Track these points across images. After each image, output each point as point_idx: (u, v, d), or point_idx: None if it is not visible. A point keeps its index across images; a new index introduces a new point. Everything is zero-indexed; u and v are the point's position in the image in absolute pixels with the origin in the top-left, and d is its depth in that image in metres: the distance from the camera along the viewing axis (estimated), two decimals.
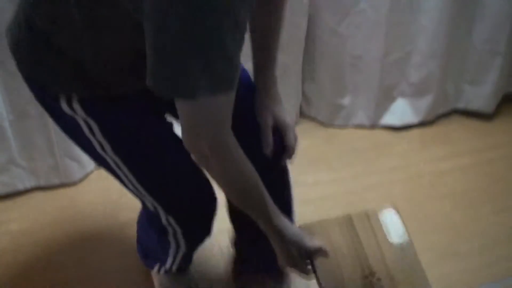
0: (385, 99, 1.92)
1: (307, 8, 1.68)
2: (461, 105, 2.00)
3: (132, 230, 1.58)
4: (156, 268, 1.34)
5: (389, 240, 1.14)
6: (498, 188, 1.74)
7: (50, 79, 0.97)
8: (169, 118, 1.13)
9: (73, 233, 1.57)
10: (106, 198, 1.66)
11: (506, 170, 1.81)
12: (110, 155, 1.02)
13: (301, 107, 1.95)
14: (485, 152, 1.87)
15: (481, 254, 1.54)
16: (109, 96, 0.98)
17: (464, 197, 1.71)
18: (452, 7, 1.73)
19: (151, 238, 1.29)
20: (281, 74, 1.82)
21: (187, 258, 1.31)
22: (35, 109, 1.53)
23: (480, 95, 1.95)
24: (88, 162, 1.72)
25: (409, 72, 1.87)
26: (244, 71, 1.11)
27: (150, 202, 1.10)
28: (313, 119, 1.97)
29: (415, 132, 1.95)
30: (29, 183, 1.68)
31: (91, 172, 1.75)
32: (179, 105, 0.83)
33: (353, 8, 1.67)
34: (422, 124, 1.96)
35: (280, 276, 1.36)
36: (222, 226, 1.32)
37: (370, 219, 1.14)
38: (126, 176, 1.05)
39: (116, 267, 1.50)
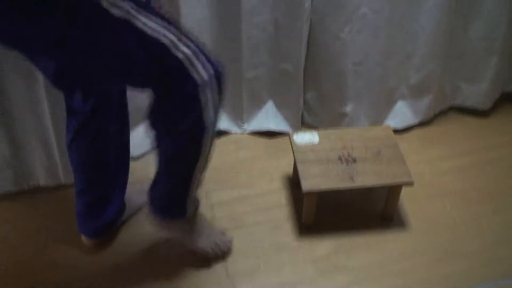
0: (386, 103, 1.91)
1: (309, 14, 1.67)
2: (457, 102, 2.01)
3: (131, 230, 1.59)
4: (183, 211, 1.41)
5: None
6: (498, 188, 1.74)
7: None
8: None
9: (72, 233, 1.57)
10: None
11: (506, 170, 1.81)
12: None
13: (302, 115, 1.93)
14: (485, 152, 1.87)
15: (481, 254, 1.54)
16: None
17: (464, 197, 1.71)
18: (451, 6, 1.72)
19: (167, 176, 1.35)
20: (282, 82, 1.83)
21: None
22: (33, 108, 1.53)
23: (476, 92, 1.95)
24: None
25: (409, 74, 1.87)
26: None
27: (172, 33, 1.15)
28: (315, 128, 1.95)
29: (415, 132, 1.95)
30: (26, 183, 1.68)
31: None
32: None
33: (354, 13, 1.65)
34: (421, 124, 1.96)
35: None
36: None
37: None
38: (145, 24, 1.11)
39: (115, 266, 1.50)
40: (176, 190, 1.37)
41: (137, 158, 1.79)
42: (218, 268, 1.50)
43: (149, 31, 1.11)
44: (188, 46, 1.16)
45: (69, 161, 1.45)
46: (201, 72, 1.18)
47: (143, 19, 1.10)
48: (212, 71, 1.19)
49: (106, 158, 1.44)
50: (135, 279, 1.47)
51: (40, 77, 1.47)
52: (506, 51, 1.87)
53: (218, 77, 1.21)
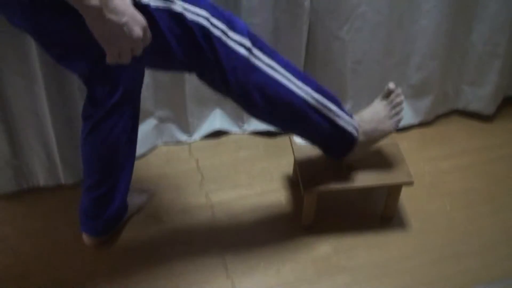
0: None
1: (308, 14, 1.67)
2: (460, 105, 2.00)
3: (132, 230, 1.59)
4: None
5: None
6: (498, 188, 1.74)
7: None
8: None
9: (72, 233, 1.57)
10: None
11: (506, 170, 1.81)
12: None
13: None
14: (485, 152, 1.87)
15: (481, 254, 1.54)
16: None
17: (464, 197, 1.71)
18: (452, 7, 1.72)
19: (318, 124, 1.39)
20: None
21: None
22: (33, 108, 1.53)
23: (480, 97, 1.95)
24: None
25: (409, 73, 1.87)
26: None
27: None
28: None
29: (415, 132, 1.95)
30: (26, 183, 1.68)
31: None
32: None
33: (354, 12, 1.66)
34: (422, 124, 1.96)
35: None
36: None
37: None
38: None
39: (115, 266, 1.50)
40: (321, 133, 1.41)
41: (137, 158, 1.79)
42: (218, 268, 1.50)
43: (187, 14, 1.14)
44: (220, 18, 1.19)
45: (81, 154, 1.45)
46: (243, 41, 1.22)
47: (181, 3, 1.14)
48: (247, 34, 1.23)
49: (117, 154, 1.44)
50: (135, 279, 1.48)
51: (40, 77, 1.47)
52: (509, 55, 1.86)
53: (252, 38, 1.25)
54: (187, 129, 1.86)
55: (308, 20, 1.68)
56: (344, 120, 1.41)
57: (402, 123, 1.93)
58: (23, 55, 1.41)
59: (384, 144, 1.60)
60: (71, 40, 1.15)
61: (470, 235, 1.59)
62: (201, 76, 1.28)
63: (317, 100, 1.35)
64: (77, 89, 1.54)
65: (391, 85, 1.47)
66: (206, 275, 1.48)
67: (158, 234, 1.59)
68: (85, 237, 1.53)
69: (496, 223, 1.63)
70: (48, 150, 1.63)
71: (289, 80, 1.31)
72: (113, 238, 1.57)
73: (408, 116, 1.94)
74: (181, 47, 1.18)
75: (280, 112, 1.34)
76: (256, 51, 1.25)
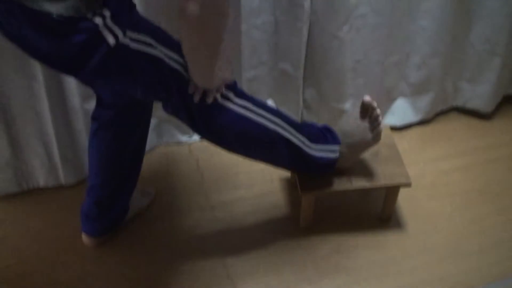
0: (385, 100, 1.91)
1: (308, 15, 1.67)
2: (459, 103, 2.01)
3: (132, 231, 1.59)
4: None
5: None
6: (498, 188, 1.74)
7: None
8: None
9: (71, 234, 1.57)
10: None
11: (506, 170, 1.81)
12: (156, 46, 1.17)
13: (302, 114, 1.94)
14: (486, 152, 1.87)
15: (481, 254, 1.54)
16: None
17: (465, 197, 1.71)
18: (452, 7, 1.72)
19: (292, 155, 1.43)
20: (281, 82, 1.84)
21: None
22: (33, 108, 1.53)
23: (479, 94, 1.95)
24: (85, 165, 1.72)
25: (409, 72, 1.87)
26: None
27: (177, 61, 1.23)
28: None
29: (415, 131, 1.95)
30: (26, 184, 1.68)
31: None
32: None
33: (353, 13, 1.66)
34: (421, 122, 1.96)
35: None
36: None
37: None
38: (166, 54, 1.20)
39: (115, 267, 1.50)
40: (295, 163, 1.45)
41: None
42: (218, 268, 1.50)
43: (166, 59, 1.18)
44: None
45: (88, 153, 1.46)
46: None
47: (161, 48, 1.17)
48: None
49: (124, 156, 1.45)
50: (135, 279, 1.48)
51: (40, 77, 1.47)
52: (509, 54, 1.86)
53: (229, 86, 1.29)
54: (187, 130, 1.86)
55: (308, 20, 1.68)
56: (316, 148, 1.44)
57: (403, 122, 1.94)
58: (23, 54, 1.41)
59: (382, 145, 1.60)
60: (58, 61, 1.14)
61: (470, 235, 1.59)
62: (166, 111, 1.30)
63: (289, 132, 1.38)
64: (77, 89, 1.54)
65: (366, 98, 1.47)
66: (206, 275, 1.48)
67: (158, 234, 1.59)
68: (85, 237, 1.53)
69: (496, 223, 1.62)
70: (48, 150, 1.63)
71: (260, 115, 1.34)
72: (113, 238, 1.57)
73: (408, 115, 1.94)
74: (151, 89, 1.21)
75: (251, 146, 1.38)
76: (225, 92, 1.28)
